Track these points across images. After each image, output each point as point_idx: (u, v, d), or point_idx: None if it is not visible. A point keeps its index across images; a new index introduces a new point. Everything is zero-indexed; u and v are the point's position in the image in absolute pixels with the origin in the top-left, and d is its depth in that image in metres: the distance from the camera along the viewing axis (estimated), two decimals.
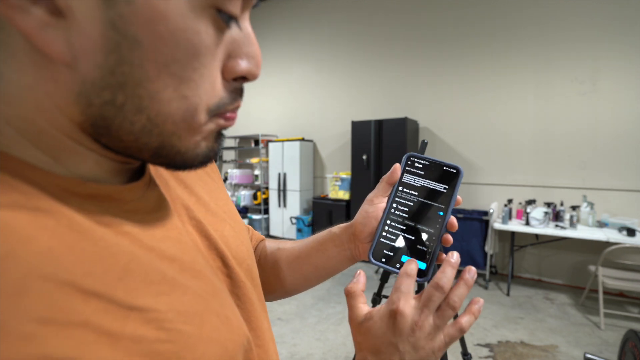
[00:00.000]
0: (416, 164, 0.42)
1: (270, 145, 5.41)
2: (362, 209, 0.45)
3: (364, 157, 4.26)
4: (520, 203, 3.74)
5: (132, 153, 0.26)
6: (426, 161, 0.41)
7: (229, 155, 6.74)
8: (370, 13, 4.84)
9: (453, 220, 0.39)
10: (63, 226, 0.22)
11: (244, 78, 0.27)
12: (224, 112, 0.27)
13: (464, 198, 4.18)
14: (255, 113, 6.31)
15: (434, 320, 0.34)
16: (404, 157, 0.43)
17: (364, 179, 4.30)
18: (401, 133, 4.03)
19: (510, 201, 3.68)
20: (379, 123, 4.19)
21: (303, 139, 5.23)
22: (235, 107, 0.28)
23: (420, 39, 4.45)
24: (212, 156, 0.29)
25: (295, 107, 5.74)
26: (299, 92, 5.67)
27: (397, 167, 0.43)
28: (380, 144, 4.19)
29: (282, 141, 5.28)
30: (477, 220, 3.70)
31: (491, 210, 3.47)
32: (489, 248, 3.57)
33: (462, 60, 4.18)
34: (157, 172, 0.35)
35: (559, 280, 3.69)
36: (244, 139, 6.49)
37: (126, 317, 0.22)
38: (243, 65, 0.26)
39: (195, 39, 0.23)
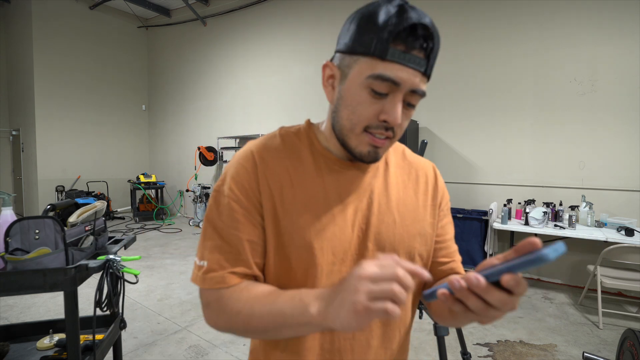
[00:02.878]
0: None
1: None
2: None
3: None
4: (519, 203, 3.74)
5: (339, 142, 0.58)
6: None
7: (228, 155, 6.75)
8: None
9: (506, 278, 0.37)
10: (297, 162, 0.60)
11: (387, 122, 0.52)
12: (372, 132, 0.53)
13: (464, 198, 4.20)
14: (255, 113, 6.32)
15: (372, 281, 0.39)
16: None
17: None
18: None
19: (509, 201, 3.69)
20: None
21: None
22: (379, 132, 0.53)
23: None
24: (364, 157, 0.56)
25: (295, 107, 5.75)
26: (299, 92, 5.68)
27: (530, 245, 0.39)
28: None
29: None
30: (476, 220, 3.71)
31: (490, 210, 3.48)
32: (488, 248, 3.57)
33: (461, 60, 4.18)
34: (378, 170, 0.63)
35: (558, 280, 3.70)
36: (244, 139, 6.50)
37: (272, 195, 0.58)
38: (384, 117, 0.51)
39: (358, 98, 0.52)
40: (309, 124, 0.64)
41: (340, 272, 0.58)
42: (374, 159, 0.56)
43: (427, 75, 0.51)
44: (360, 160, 0.56)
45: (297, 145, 0.61)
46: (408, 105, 0.53)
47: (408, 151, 0.72)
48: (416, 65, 0.49)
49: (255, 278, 0.58)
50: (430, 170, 0.70)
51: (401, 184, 0.64)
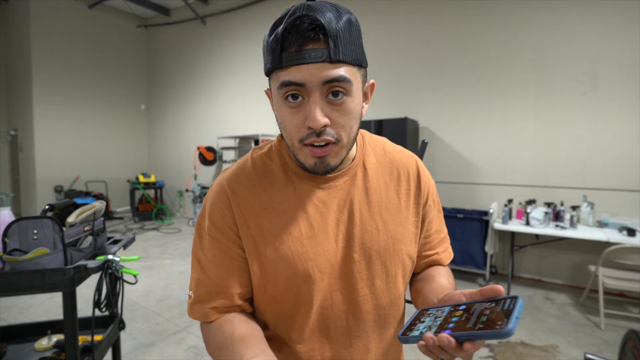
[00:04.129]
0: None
1: None
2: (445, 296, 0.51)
3: None
4: (520, 203, 3.74)
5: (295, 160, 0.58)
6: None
7: (229, 155, 6.73)
8: (370, 13, 4.83)
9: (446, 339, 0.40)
10: (271, 188, 0.59)
11: (312, 127, 0.50)
12: (308, 143, 0.52)
13: (464, 198, 4.19)
14: (255, 113, 6.31)
15: None
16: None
17: None
18: (401, 133, 4.03)
19: (510, 201, 3.68)
20: (379, 123, 4.18)
21: None
22: (312, 141, 0.51)
23: (420, 39, 4.45)
24: (314, 170, 0.55)
25: None
26: None
27: (493, 291, 0.43)
28: None
29: None
30: (477, 220, 3.70)
31: (491, 210, 3.47)
32: (489, 248, 3.57)
33: (462, 60, 4.17)
34: (356, 177, 0.62)
35: (559, 280, 3.70)
36: (244, 139, 6.48)
37: (248, 227, 0.58)
38: (308, 123, 0.50)
39: (282, 113, 0.53)
40: (279, 139, 0.63)
41: (330, 286, 0.58)
42: (326, 169, 0.54)
43: (337, 61, 0.48)
44: (313, 173, 0.56)
45: (269, 167, 0.61)
46: (334, 97, 0.50)
47: (389, 145, 0.69)
48: (314, 58, 0.47)
49: (240, 307, 0.61)
50: (413, 166, 0.67)
51: (383, 186, 0.63)
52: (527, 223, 3.33)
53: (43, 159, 6.52)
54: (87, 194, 6.41)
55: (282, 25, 0.48)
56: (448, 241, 0.72)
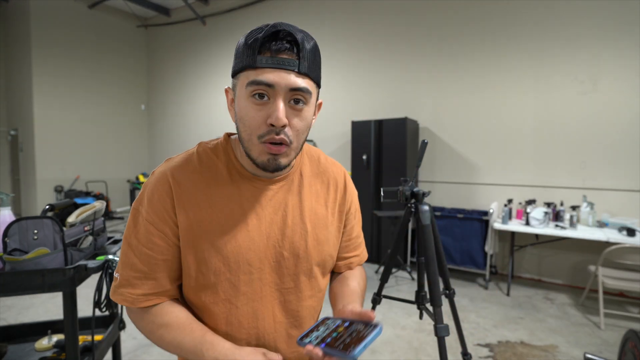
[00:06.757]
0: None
1: None
2: (344, 307, 0.62)
3: (364, 157, 4.26)
4: (520, 203, 3.74)
5: (247, 156, 0.61)
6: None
7: None
8: (370, 13, 4.83)
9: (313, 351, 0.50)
10: (214, 183, 0.64)
11: (274, 125, 0.56)
12: (266, 140, 0.57)
13: (464, 198, 4.19)
14: None
15: None
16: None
17: (364, 178, 4.29)
18: (401, 133, 4.03)
19: (510, 201, 3.68)
20: (379, 123, 4.19)
21: None
22: (269, 138, 0.57)
23: (420, 39, 4.45)
24: (265, 167, 0.60)
25: None
26: None
27: (366, 317, 0.54)
28: (380, 144, 4.19)
29: None
30: (477, 220, 3.70)
31: (491, 210, 3.47)
32: (489, 248, 3.57)
33: (462, 60, 4.17)
34: (293, 184, 0.69)
35: (559, 280, 3.70)
36: None
37: (188, 217, 0.62)
38: (270, 120, 0.55)
39: (245, 109, 0.58)
40: (226, 138, 0.68)
41: (260, 280, 0.65)
42: (276, 167, 0.60)
43: (303, 73, 0.56)
44: (263, 169, 0.60)
45: (214, 162, 0.65)
46: (295, 103, 0.57)
47: (323, 156, 0.78)
48: (286, 65, 0.54)
49: (169, 292, 0.64)
50: (341, 177, 0.77)
51: (314, 194, 0.72)
52: (527, 223, 3.33)
53: (43, 159, 6.52)
54: (87, 194, 6.41)
55: (262, 33, 0.54)
56: (364, 243, 0.84)
